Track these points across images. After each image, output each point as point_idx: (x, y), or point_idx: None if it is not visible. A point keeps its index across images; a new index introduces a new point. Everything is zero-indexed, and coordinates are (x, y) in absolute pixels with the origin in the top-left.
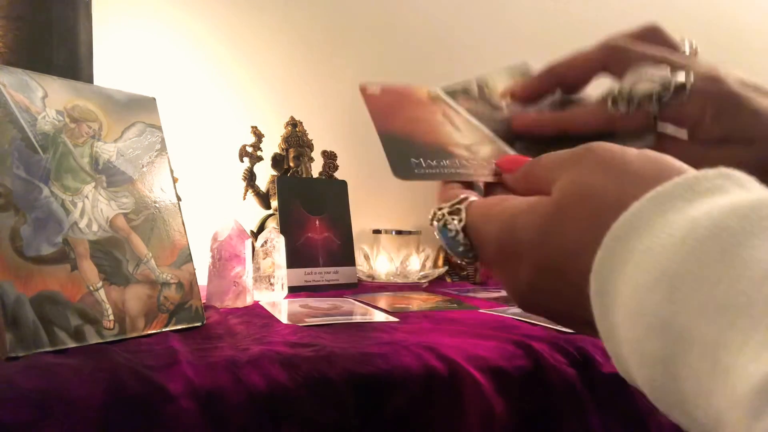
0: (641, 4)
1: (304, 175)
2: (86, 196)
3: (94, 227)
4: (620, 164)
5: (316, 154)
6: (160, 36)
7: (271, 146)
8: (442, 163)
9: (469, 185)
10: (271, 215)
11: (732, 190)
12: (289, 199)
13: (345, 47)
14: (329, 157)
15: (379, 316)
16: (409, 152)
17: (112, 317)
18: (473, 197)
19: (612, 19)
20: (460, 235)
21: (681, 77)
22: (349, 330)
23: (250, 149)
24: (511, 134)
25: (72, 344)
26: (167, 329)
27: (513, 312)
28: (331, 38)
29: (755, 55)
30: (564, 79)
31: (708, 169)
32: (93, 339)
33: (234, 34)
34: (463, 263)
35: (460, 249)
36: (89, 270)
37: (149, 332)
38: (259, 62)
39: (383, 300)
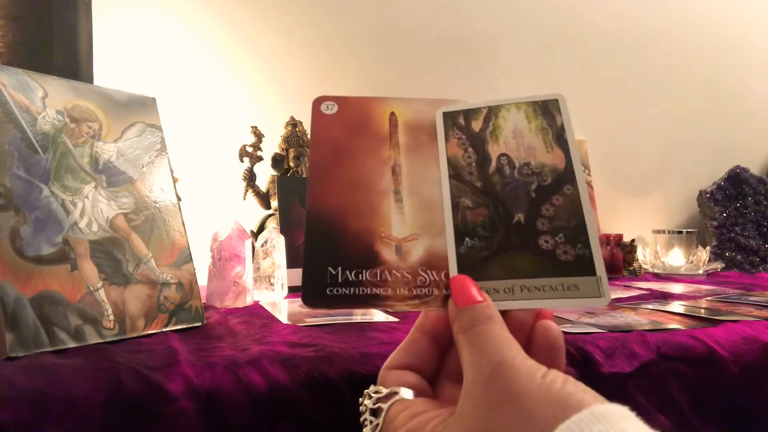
0: (643, 6)
1: (304, 175)
2: (86, 196)
3: (94, 227)
4: (520, 400)
5: None
6: (160, 37)
7: (271, 146)
8: (360, 278)
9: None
10: (271, 215)
11: None
12: (289, 199)
13: (346, 47)
14: None
15: (379, 316)
16: (329, 252)
17: (112, 317)
18: (403, 393)
19: (615, 21)
20: None
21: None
22: (349, 330)
23: (250, 149)
24: (477, 201)
25: (72, 344)
26: (167, 329)
27: None
28: (332, 38)
29: (755, 58)
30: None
31: (581, 414)
32: (93, 339)
33: (234, 34)
34: None
35: None
36: (89, 270)
37: (149, 332)
38: (259, 62)
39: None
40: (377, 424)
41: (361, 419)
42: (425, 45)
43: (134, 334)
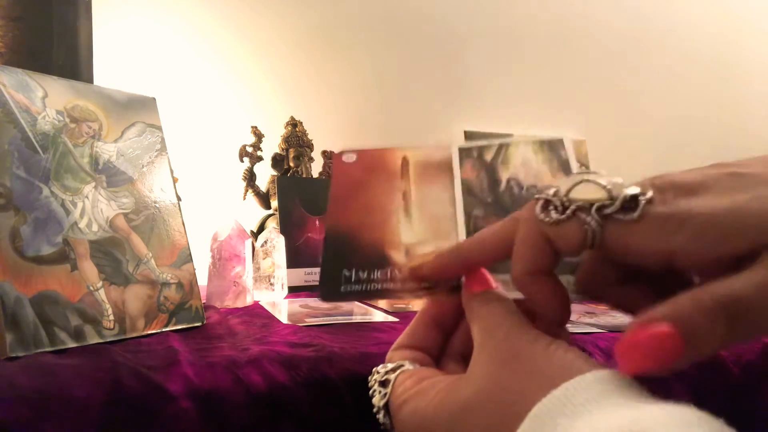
0: (644, 6)
1: (304, 175)
2: (86, 196)
3: (94, 227)
4: (527, 361)
5: (316, 154)
6: (160, 37)
7: (271, 146)
8: (372, 276)
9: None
10: (271, 215)
11: (609, 402)
12: (289, 199)
13: (347, 47)
14: (329, 157)
15: (379, 316)
16: (345, 258)
17: (112, 317)
18: (409, 365)
19: (616, 21)
20: (381, 413)
21: (634, 189)
22: (349, 330)
23: (250, 149)
24: (488, 212)
25: (72, 344)
26: (167, 329)
27: None
28: (333, 38)
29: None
30: (472, 261)
31: (584, 375)
32: (93, 339)
33: (234, 34)
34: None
35: (381, 426)
36: (89, 270)
37: (149, 332)
38: (259, 62)
39: (383, 300)
40: (385, 393)
41: (370, 392)
42: (428, 43)
43: (134, 334)
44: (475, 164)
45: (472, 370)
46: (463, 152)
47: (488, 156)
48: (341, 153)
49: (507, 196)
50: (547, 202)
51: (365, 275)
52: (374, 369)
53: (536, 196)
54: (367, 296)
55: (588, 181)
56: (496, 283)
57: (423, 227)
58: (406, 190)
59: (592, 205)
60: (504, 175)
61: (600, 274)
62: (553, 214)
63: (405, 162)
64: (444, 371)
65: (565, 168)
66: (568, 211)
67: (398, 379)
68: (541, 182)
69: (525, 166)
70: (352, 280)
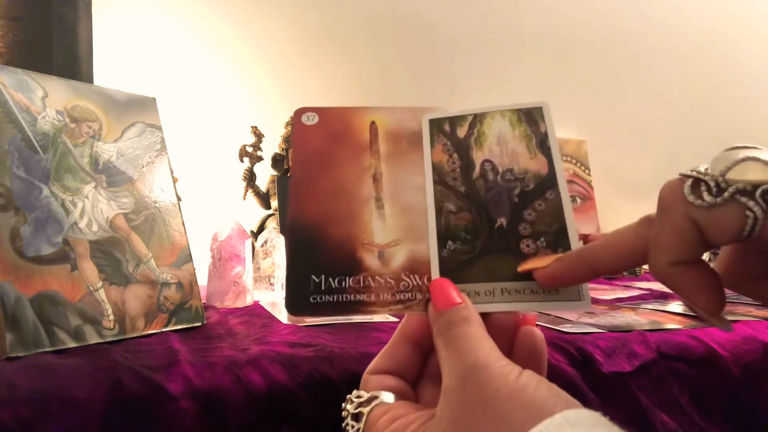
0: (645, 6)
1: None
2: (86, 196)
3: (94, 227)
4: (494, 404)
5: None
6: (160, 37)
7: (271, 146)
8: (344, 285)
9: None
10: (271, 215)
11: None
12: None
13: (348, 47)
14: None
15: (379, 316)
16: (312, 259)
17: (112, 317)
18: (384, 396)
19: (615, 24)
20: None
21: None
22: (349, 330)
23: (250, 149)
24: (461, 206)
25: (72, 344)
26: (167, 329)
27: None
28: (334, 38)
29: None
30: (599, 268)
31: (553, 418)
32: (93, 339)
33: (235, 34)
34: None
35: None
36: (89, 270)
37: (149, 332)
38: (259, 62)
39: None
40: (358, 429)
41: (343, 424)
42: (429, 44)
43: (134, 334)
44: (446, 144)
45: (441, 413)
46: (434, 126)
47: (461, 131)
48: (300, 112)
49: (481, 183)
50: (698, 182)
51: (336, 283)
52: (348, 396)
53: (682, 173)
54: (338, 310)
55: (753, 159)
56: (461, 298)
57: (397, 224)
58: (376, 171)
59: (756, 187)
60: (478, 157)
61: (745, 265)
62: (707, 197)
63: (374, 129)
64: (421, 397)
65: (543, 146)
66: (726, 194)
67: (372, 415)
68: (517, 165)
69: (501, 144)
70: (322, 288)
